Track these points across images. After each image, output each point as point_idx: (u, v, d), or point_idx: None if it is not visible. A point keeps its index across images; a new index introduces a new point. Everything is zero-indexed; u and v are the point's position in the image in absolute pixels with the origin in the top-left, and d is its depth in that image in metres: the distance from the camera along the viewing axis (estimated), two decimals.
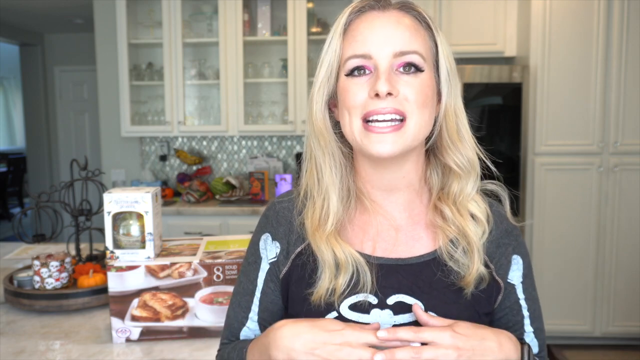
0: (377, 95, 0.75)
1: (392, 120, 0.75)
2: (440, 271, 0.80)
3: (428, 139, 0.83)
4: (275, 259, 0.86)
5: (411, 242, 0.83)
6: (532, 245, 3.17)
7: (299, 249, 0.85)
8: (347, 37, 0.79)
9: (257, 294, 0.87)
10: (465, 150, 0.82)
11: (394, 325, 0.77)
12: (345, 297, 0.79)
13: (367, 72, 0.77)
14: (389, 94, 0.74)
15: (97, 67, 3.87)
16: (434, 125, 0.82)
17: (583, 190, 3.14)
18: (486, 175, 0.87)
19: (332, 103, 0.84)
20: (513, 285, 0.84)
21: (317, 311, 0.79)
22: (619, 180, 3.11)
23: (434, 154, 0.85)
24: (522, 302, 0.84)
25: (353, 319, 0.78)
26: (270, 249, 0.87)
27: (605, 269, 3.16)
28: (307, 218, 0.84)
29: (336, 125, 0.84)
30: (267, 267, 0.87)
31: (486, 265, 0.82)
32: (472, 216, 0.82)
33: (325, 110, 0.83)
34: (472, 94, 3.15)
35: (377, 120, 0.75)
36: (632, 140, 3.08)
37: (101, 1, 3.80)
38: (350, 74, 0.78)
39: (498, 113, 3.23)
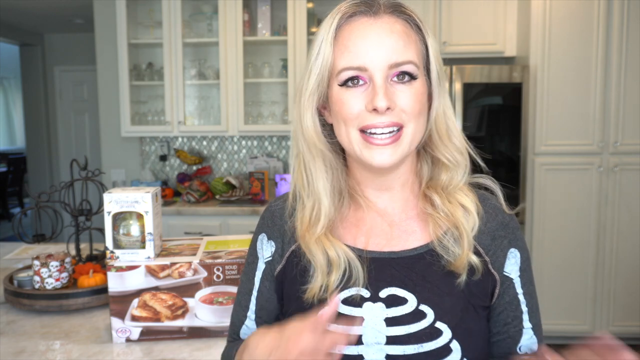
0: (375, 110, 0.75)
1: (390, 132, 0.76)
2: (431, 257, 0.81)
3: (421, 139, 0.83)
4: (271, 257, 0.87)
5: (405, 236, 0.83)
6: (532, 245, 3.17)
7: (292, 248, 0.86)
8: (338, 45, 0.78)
9: (255, 293, 0.88)
10: (455, 145, 0.83)
11: (386, 319, 0.77)
12: (338, 292, 0.79)
13: (361, 82, 0.77)
14: (387, 108, 0.74)
15: (97, 67, 3.87)
16: (426, 125, 0.82)
17: (583, 190, 3.14)
18: (479, 171, 0.87)
19: (322, 105, 0.83)
20: (511, 279, 0.83)
21: (310, 308, 0.80)
22: (619, 180, 3.11)
23: (424, 147, 0.86)
24: (521, 297, 0.84)
25: (346, 313, 0.78)
26: (266, 249, 0.88)
27: (605, 269, 3.16)
28: (297, 220, 0.84)
29: (326, 127, 0.84)
30: (263, 266, 0.88)
31: (479, 256, 0.81)
32: (462, 207, 0.83)
33: (315, 116, 0.82)
34: (472, 94, 3.15)
35: (375, 134, 0.76)
36: (632, 140, 3.08)
37: (101, 1, 3.79)
38: (344, 84, 0.77)
39: (498, 113, 3.23)
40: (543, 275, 3.16)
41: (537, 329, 0.85)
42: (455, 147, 0.83)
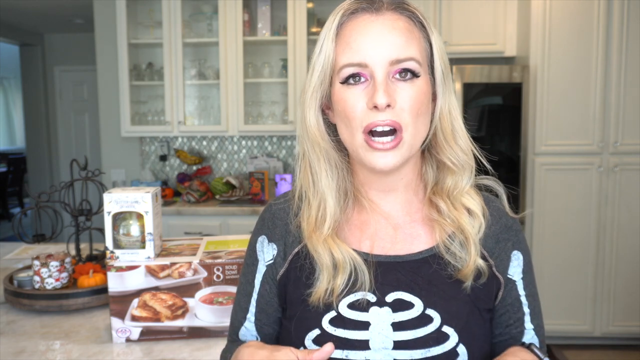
0: (375, 107, 0.74)
1: (390, 131, 0.75)
2: (438, 265, 0.80)
3: (424, 139, 0.83)
4: (272, 261, 0.86)
5: (409, 240, 0.83)
6: (532, 245, 3.18)
7: (295, 250, 0.85)
8: (339, 42, 0.78)
9: (254, 295, 0.88)
10: (460, 147, 0.82)
11: (393, 323, 0.77)
12: (344, 296, 0.79)
13: (362, 79, 0.76)
14: (388, 105, 0.74)
15: (97, 67, 3.87)
16: (430, 125, 0.81)
17: (583, 190, 3.14)
18: (482, 172, 0.86)
19: (325, 105, 0.83)
20: (514, 282, 0.83)
21: (316, 312, 0.79)
22: (619, 180, 3.11)
23: (429, 150, 0.85)
24: (523, 299, 0.84)
25: (352, 318, 0.78)
26: (267, 251, 0.87)
27: (605, 269, 3.16)
28: (304, 220, 0.83)
29: (330, 126, 0.83)
30: (264, 269, 0.87)
31: (485, 260, 0.81)
32: (468, 210, 0.82)
33: (319, 115, 0.82)
34: (472, 94, 3.15)
35: (377, 134, 0.75)
36: (632, 140, 3.08)
37: (101, 1, 3.80)
38: (346, 81, 0.77)
39: (498, 113, 3.23)
40: (543, 275, 3.17)
41: (538, 329, 0.85)
42: (461, 149, 0.81)
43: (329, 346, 0.70)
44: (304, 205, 0.85)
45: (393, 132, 0.75)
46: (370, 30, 0.76)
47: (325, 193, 0.82)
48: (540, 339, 0.85)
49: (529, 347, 0.79)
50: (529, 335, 0.84)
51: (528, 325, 0.84)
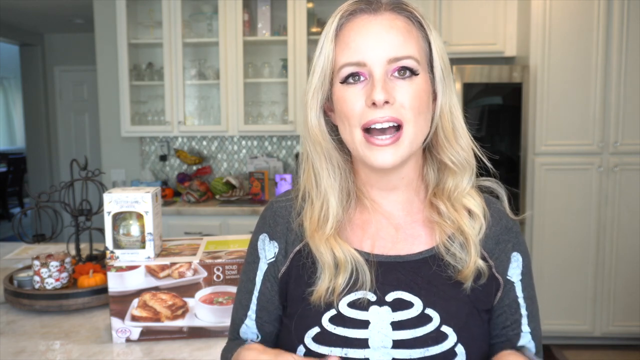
0: (374, 104, 0.74)
1: (390, 128, 0.75)
2: (438, 267, 0.80)
3: (425, 138, 0.83)
4: (274, 259, 0.87)
5: (410, 240, 0.83)
6: (532, 245, 3.18)
7: (297, 248, 0.85)
8: (339, 43, 0.79)
9: (255, 293, 0.88)
10: (460, 146, 0.82)
11: (392, 322, 0.77)
12: (344, 295, 0.79)
13: (362, 78, 0.77)
14: (386, 102, 0.74)
15: (97, 67, 3.87)
16: (430, 124, 0.82)
17: (583, 190, 3.14)
18: (483, 173, 0.87)
19: (327, 107, 0.84)
20: (512, 283, 0.84)
21: (317, 310, 0.80)
22: (619, 180, 3.11)
23: (430, 151, 0.86)
24: (521, 301, 0.84)
25: (352, 317, 0.78)
26: (268, 249, 0.88)
27: (605, 269, 3.16)
28: (306, 219, 0.84)
29: (332, 128, 0.84)
30: (265, 267, 0.87)
31: (485, 261, 0.82)
32: (469, 211, 0.83)
33: (320, 115, 0.82)
34: (472, 94, 3.15)
35: (376, 129, 0.75)
36: (632, 140, 3.08)
37: (101, 1, 3.80)
38: (345, 81, 0.78)
39: (498, 113, 3.23)
40: (543, 275, 3.17)
41: (535, 333, 0.85)
42: (461, 148, 0.82)
43: (334, 359, 0.71)
44: (306, 205, 0.85)
45: (392, 129, 0.76)
46: (368, 30, 0.77)
47: (327, 193, 0.82)
48: (537, 343, 0.85)
49: (520, 350, 0.79)
50: (526, 339, 0.84)
51: (525, 328, 0.84)
